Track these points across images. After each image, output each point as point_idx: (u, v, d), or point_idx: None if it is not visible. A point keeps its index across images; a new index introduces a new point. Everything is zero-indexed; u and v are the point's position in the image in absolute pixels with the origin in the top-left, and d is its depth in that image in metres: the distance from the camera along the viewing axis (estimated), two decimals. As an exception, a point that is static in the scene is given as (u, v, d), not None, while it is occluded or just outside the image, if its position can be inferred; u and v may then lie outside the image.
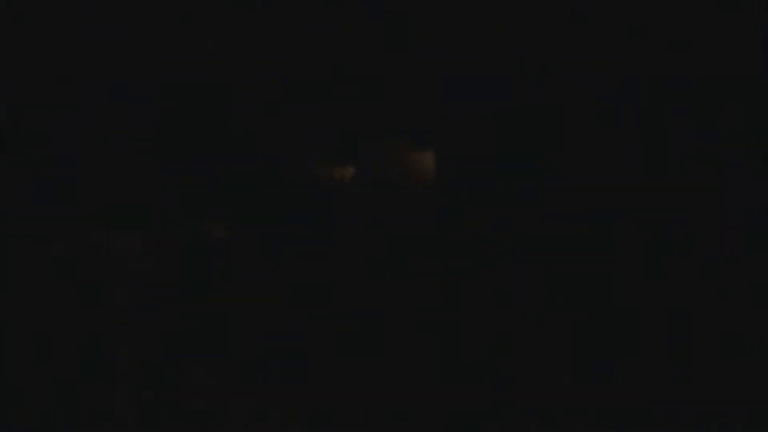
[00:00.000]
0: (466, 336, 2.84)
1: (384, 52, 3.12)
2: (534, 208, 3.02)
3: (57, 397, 2.72)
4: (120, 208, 2.99)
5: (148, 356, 2.78)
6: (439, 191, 2.92)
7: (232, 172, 3.05)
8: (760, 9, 3.04)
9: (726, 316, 2.86)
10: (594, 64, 3.07)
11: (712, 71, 3.05)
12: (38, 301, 2.81)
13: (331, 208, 2.89)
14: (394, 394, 2.78)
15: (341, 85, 3.11)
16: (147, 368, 2.76)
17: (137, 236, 2.94)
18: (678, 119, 3.07)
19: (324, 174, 2.93)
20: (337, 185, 2.91)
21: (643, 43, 3.07)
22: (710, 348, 2.83)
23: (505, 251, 2.96)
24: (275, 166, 2.98)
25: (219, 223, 2.98)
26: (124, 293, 2.83)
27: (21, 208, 2.97)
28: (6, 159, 3.02)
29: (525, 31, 3.10)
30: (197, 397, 2.73)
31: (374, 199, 2.90)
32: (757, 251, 2.93)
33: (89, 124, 3.08)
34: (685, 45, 3.06)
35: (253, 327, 2.84)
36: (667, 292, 2.90)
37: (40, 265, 2.86)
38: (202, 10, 3.11)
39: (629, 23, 3.07)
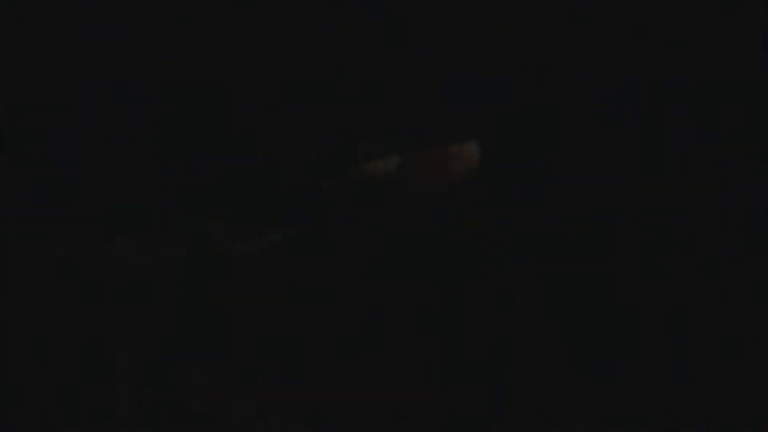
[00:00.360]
0: (470, 337, 2.84)
1: (384, 52, 3.12)
2: (533, 209, 3.02)
3: (57, 397, 2.72)
4: (120, 208, 3.00)
5: (148, 356, 2.78)
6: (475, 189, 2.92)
7: (231, 172, 3.06)
8: (760, 9, 3.04)
9: (726, 316, 2.86)
10: (594, 64, 3.08)
11: (712, 71, 3.06)
12: (38, 301, 2.82)
13: (351, 207, 2.89)
14: (395, 394, 2.78)
15: (341, 85, 3.12)
16: (147, 368, 2.76)
17: (137, 236, 2.94)
18: (678, 119, 3.07)
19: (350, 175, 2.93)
20: (362, 186, 2.92)
21: (643, 43, 3.07)
22: (710, 348, 2.83)
23: (507, 251, 2.96)
24: (286, 162, 2.98)
25: (220, 223, 2.98)
26: (124, 293, 2.84)
27: (21, 208, 2.97)
28: (6, 159, 3.03)
29: (525, 31, 3.10)
30: (197, 397, 2.73)
31: (403, 198, 2.91)
32: (757, 251, 2.94)
33: (89, 124, 3.08)
34: (685, 45, 3.06)
35: (253, 327, 2.84)
36: (666, 292, 2.90)
37: (40, 265, 2.86)
38: (202, 10, 3.12)
39: (629, 23, 3.08)
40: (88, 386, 2.73)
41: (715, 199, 3.00)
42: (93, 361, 2.76)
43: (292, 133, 3.11)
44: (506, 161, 3.04)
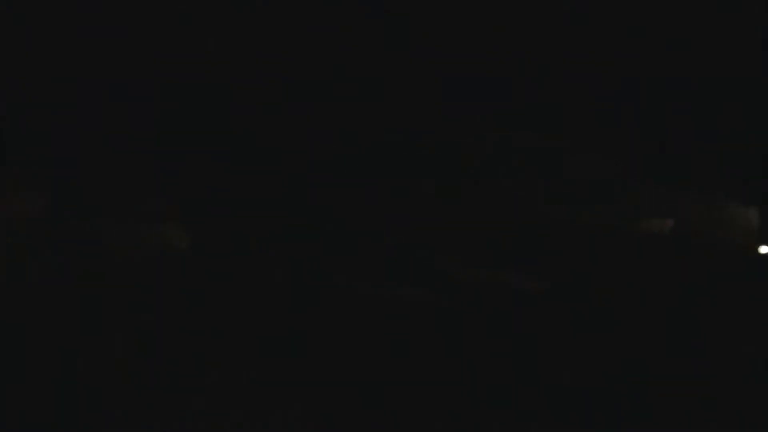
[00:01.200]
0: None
1: (384, 52, 3.12)
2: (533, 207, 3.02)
3: (57, 397, 2.72)
4: (121, 207, 2.99)
5: (148, 355, 2.78)
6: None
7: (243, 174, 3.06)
8: (760, 9, 3.04)
9: (726, 314, 2.86)
10: (594, 64, 3.08)
11: (712, 71, 3.06)
12: (39, 299, 2.81)
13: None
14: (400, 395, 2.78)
15: (341, 85, 3.11)
16: (147, 366, 2.76)
17: (138, 236, 2.94)
18: (678, 119, 3.07)
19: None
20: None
21: (643, 43, 3.07)
22: (709, 348, 2.83)
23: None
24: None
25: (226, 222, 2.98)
26: (125, 293, 2.83)
27: (22, 207, 2.97)
28: (6, 159, 3.03)
29: (525, 31, 3.10)
30: (197, 397, 2.73)
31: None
32: (756, 250, 2.93)
33: (89, 124, 3.08)
34: (685, 45, 3.06)
35: (255, 328, 2.84)
36: (667, 291, 2.90)
37: (41, 264, 2.86)
38: (202, 10, 3.11)
39: (629, 23, 3.08)
40: (88, 386, 2.73)
41: (715, 199, 3.00)
42: (93, 361, 2.75)
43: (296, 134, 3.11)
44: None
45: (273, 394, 2.77)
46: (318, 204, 3.03)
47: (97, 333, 2.80)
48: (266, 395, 2.77)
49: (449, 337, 2.82)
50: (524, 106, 3.10)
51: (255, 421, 2.73)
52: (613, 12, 3.08)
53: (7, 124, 3.06)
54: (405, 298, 2.87)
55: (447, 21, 3.11)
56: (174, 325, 2.82)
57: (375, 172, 3.08)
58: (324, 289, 2.89)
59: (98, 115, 3.08)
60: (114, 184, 3.03)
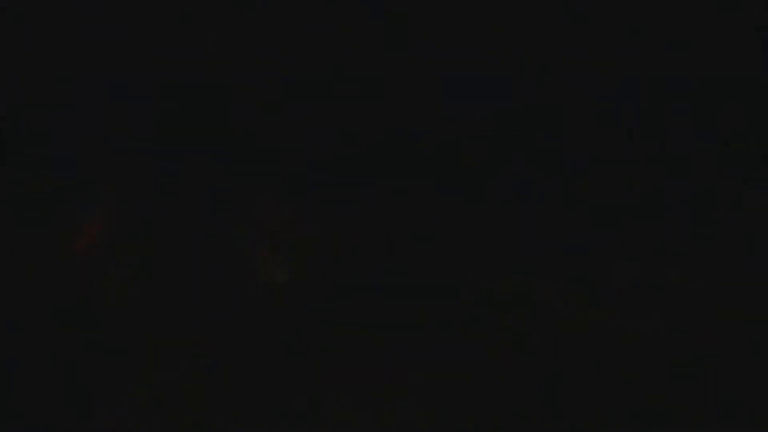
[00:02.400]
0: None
1: (384, 52, 3.13)
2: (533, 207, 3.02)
3: (58, 396, 2.72)
4: (123, 206, 3.00)
5: (150, 356, 2.78)
6: None
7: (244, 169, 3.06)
8: (760, 9, 3.04)
9: (725, 314, 2.86)
10: (594, 64, 3.08)
11: (712, 71, 3.06)
12: (37, 300, 2.82)
13: None
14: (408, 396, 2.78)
15: (341, 85, 3.12)
16: (151, 367, 2.76)
17: (137, 236, 2.95)
18: (678, 119, 3.08)
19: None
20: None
21: (643, 43, 3.08)
22: (709, 348, 2.83)
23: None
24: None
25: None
26: (125, 293, 2.84)
27: (21, 207, 2.97)
28: (6, 159, 3.03)
29: (525, 31, 3.11)
30: (205, 397, 2.74)
31: None
32: (756, 250, 2.94)
33: (89, 124, 3.08)
34: (685, 45, 3.07)
35: (259, 329, 2.85)
36: (666, 291, 2.90)
37: (42, 265, 2.87)
38: (202, 10, 3.12)
39: (629, 23, 3.08)
40: (89, 385, 2.73)
41: (715, 199, 3.00)
42: (94, 361, 2.76)
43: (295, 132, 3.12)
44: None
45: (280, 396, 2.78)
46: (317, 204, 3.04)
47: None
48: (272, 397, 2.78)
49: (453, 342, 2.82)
50: (524, 106, 3.11)
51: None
52: (613, 12, 3.08)
53: (7, 124, 3.07)
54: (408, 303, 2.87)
55: (447, 21, 3.12)
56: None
57: (375, 172, 3.09)
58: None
59: (98, 115, 3.09)
60: (113, 185, 3.04)
